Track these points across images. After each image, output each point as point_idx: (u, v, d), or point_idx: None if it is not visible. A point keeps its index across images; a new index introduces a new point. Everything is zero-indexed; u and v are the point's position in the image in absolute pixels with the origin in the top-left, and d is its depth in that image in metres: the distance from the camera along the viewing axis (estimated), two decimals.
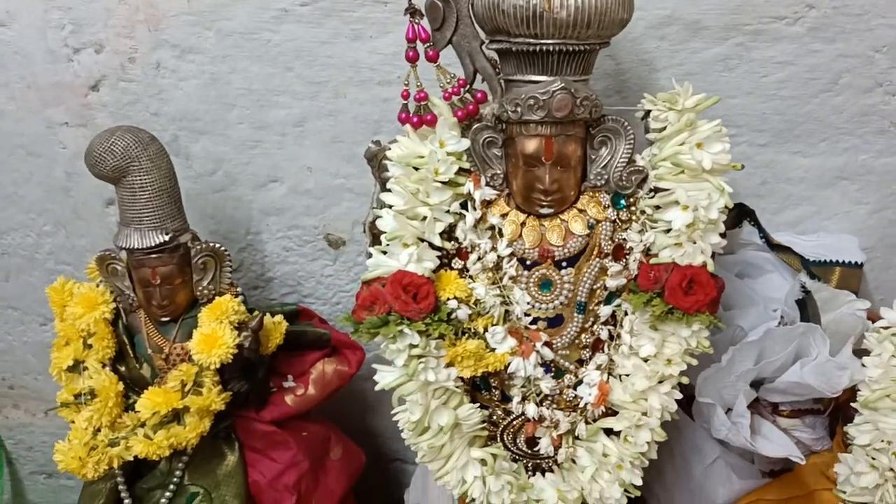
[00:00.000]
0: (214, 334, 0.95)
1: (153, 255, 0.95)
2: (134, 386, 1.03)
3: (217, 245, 1.00)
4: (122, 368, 1.03)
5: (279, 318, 1.03)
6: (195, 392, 0.95)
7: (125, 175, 0.94)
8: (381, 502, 1.37)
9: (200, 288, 1.01)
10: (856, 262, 1.05)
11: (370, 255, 0.80)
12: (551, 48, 0.73)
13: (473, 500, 0.86)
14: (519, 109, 0.76)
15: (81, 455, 0.95)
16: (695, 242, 0.78)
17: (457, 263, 0.83)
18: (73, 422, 0.98)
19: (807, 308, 0.95)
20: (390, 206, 0.79)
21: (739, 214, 1.09)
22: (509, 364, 0.84)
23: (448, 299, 0.81)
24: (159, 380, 1.00)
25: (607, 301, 0.84)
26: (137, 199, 0.95)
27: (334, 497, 1.10)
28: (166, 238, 0.95)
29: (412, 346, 0.80)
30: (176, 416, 0.97)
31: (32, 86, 1.16)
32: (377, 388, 0.83)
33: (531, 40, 0.73)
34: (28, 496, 1.53)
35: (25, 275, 1.32)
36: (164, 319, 1.00)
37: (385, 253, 0.80)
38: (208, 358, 0.94)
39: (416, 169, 0.78)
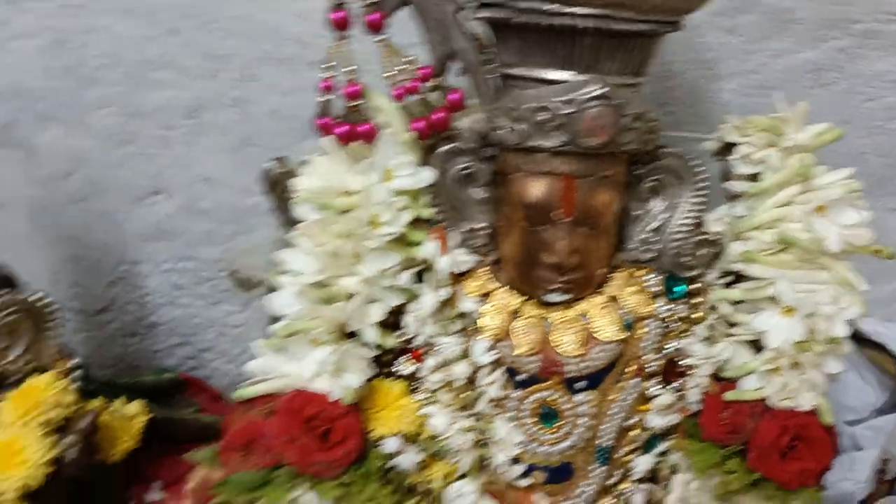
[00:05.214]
0: (14, 443, 0.66)
1: None
2: None
3: (32, 296, 0.70)
4: None
5: (136, 406, 0.75)
6: None
7: None
8: None
9: (5, 361, 0.71)
10: None
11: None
12: (585, 23, 0.51)
13: None
14: (523, 127, 0.54)
15: None
16: (803, 373, 0.56)
17: (404, 367, 0.60)
18: None
19: None
20: (293, 275, 0.56)
21: None
22: None
23: (382, 437, 0.57)
24: None
25: (647, 448, 0.62)
26: None
27: None
28: None
29: None
30: None
31: None
32: None
33: (550, 5, 0.50)
34: None
35: None
36: None
37: (280, 352, 0.57)
38: (3, 481, 0.65)
39: (343, 213, 0.56)
